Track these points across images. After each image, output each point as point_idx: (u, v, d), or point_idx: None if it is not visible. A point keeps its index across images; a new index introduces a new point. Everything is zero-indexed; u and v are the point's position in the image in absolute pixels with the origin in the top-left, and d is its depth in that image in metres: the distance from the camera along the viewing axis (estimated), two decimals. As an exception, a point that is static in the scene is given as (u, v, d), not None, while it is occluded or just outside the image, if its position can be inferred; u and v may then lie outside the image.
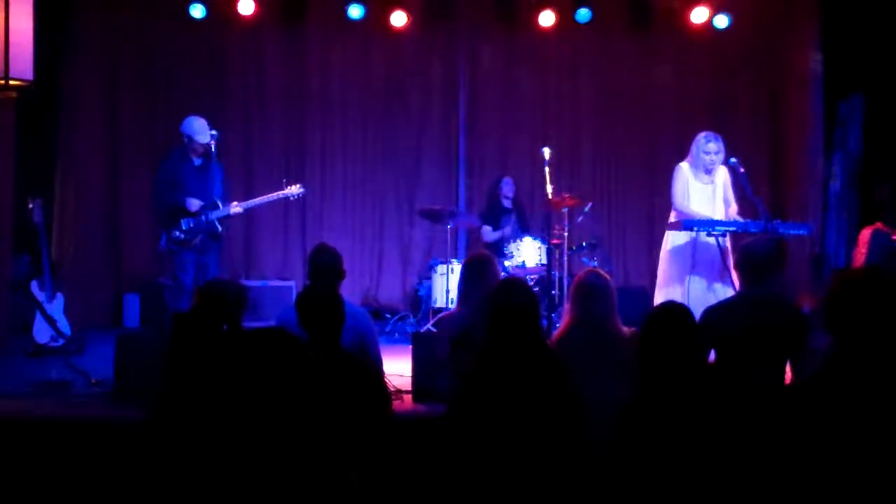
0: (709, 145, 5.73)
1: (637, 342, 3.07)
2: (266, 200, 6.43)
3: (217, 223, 6.08)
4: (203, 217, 6.04)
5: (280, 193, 6.41)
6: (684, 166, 5.84)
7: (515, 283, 3.51)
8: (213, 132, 6.10)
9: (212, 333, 3.39)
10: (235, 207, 6.16)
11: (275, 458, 1.88)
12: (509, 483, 2.97)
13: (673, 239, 5.80)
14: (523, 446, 3.00)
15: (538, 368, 3.14)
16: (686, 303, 5.07)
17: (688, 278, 5.62)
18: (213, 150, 6.09)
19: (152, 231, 8.39)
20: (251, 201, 6.36)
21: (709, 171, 5.76)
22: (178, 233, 6.02)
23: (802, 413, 2.56)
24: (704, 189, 5.78)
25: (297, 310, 3.40)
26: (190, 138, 6.09)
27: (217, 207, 6.09)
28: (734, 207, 5.84)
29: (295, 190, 6.41)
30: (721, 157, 5.75)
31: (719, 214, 5.72)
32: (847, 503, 2.45)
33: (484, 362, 3.21)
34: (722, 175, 5.82)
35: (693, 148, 5.81)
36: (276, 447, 1.89)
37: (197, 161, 6.14)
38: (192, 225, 6.02)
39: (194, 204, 6.01)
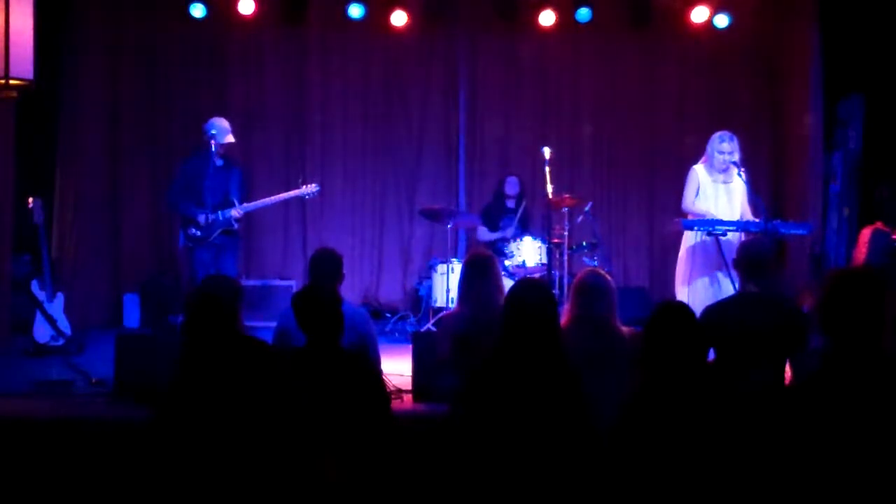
0: (722, 145, 5.68)
1: (638, 341, 3.07)
2: (281, 199, 6.60)
3: (233, 220, 6.20)
4: (219, 214, 6.16)
5: (296, 192, 6.53)
6: (698, 168, 5.79)
7: (534, 284, 3.47)
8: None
9: (218, 332, 3.35)
10: (235, 211, 6.21)
11: (252, 454, 1.92)
12: (511, 482, 2.97)
13: (686, 238, 5.75)
14: (528, 447, 2.99)
15: (548, 372, 3.12)
16: (713, 299, 5.08)
17: (718, 275, 5.56)
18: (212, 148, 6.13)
19: (153, 230, 8.48)
20: (266, 199, 6.46)
21: (724, 172, 5.71)
22: (194, 230, 6.15)
23: (798, 413, 2.57)
24: (722, 189, 5.72)
25: (293, 310, 3.38)
26: (212, 137, 6.18)
27: (233, 206, 6.21)
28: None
29: (311, 189, 6.50)
30: (736, 156, 5.69)
31: (739, 214, 5.67)
32: (842, 502, 2.47)
33: (494, 362, 3.18)
34: (743, 175, 5.76)
35: (708, 148, 5.77)
36: (253, 444, 1.93)
37: (218, 161, 6.24)
38: (208, 220, 6.11)
39: (203, 219, 6.13)
